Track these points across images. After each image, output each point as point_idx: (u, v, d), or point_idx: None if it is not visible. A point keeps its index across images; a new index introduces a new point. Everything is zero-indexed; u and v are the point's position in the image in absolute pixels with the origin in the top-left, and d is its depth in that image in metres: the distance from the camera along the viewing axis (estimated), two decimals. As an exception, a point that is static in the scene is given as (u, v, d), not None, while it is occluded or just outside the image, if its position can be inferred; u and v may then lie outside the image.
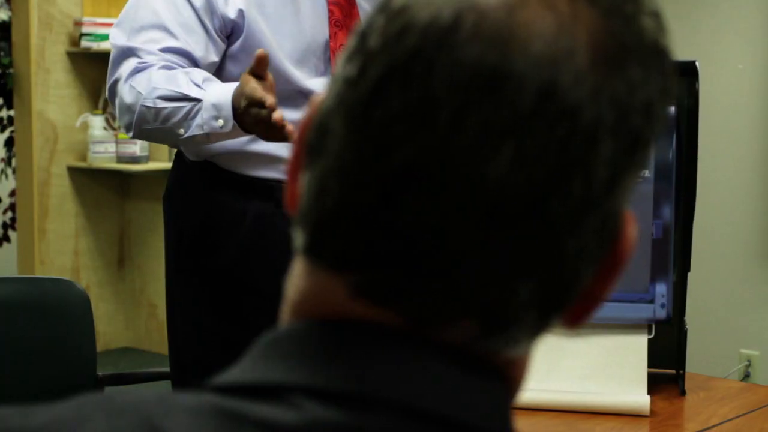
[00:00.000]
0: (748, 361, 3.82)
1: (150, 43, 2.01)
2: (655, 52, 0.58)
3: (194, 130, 1.94)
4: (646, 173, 1.93)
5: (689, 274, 3.87)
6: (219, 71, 2.08)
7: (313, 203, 0.56)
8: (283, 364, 0.55)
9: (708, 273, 3.92)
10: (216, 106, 1.90)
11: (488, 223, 0.54)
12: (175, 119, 1.95)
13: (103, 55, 4.96)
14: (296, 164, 0.59)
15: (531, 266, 0.55)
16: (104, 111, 4.78)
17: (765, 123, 3.76)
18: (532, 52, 0.53)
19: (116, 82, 2.03)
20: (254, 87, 1.82)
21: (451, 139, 0.53)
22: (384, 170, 0.54)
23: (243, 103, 1.85)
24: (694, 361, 3.88)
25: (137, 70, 1.99)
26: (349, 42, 0.58)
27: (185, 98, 1.94)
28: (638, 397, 1.88)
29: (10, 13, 4.78)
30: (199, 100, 1.93)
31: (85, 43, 4.79)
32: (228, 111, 1.89)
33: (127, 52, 2.02)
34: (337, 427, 0.52)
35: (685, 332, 2.02)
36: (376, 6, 0.57)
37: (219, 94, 1.91)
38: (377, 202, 0.54)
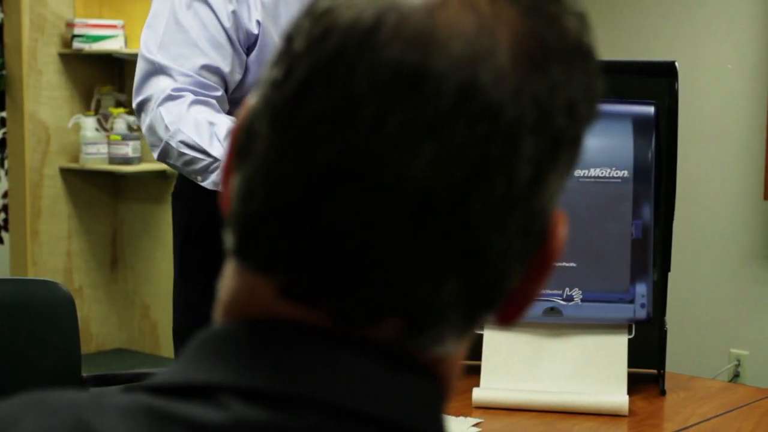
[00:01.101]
0: (738, 360, 3.83)
1: (181, 59, 2.01)
2: (579, 51, 0.59)
3: (210, 183, 1.96)
4: (625, 173, 1.94)
5: (680, 273, 3.88)
6: None
7: (241, 205, 0.57)
8: (212, 364, 0.56)
9: (698, 273, 3.92)
10: None
11: (411, 221, 0.54)
12: (195, 167, 1.96)
13: (95, 57, 4.96)
14: (228, 168, 0.59)
15: (455, 265, 0.55)
16: (96, 112, 4.79)
17: (754, 123, 3.77)
18: (453, 52, 0.54)
19: (147, 101, 2.02)
20: None
21: (373, 138, 0.54)
22: (308, 171, 0.54)
23: None
24: (684, 361, 3.89)
25: (170, 98, 1.98)
26: (277, 46, 0.58)
27: (206, 153, 1.94)
28: (617, 397, 1.89)
29: (1, 15, 4.78)
30: (218, 160, 1.93)
31: (77, 44, 4.79)
32: None
33: (159, 70, 2.01)
34: (263, 426, 0.53)
35: (665, 332, 2.03)
36: (302, 9, 0.58)
37: None
38: (302, 203, 0.55)
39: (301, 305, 0.56)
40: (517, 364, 1.99)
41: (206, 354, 0.56)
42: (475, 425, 1.81)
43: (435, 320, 0.56)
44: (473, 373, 2.01)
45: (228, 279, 0.59)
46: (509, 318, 0.62)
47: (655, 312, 2.03)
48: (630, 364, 2.05)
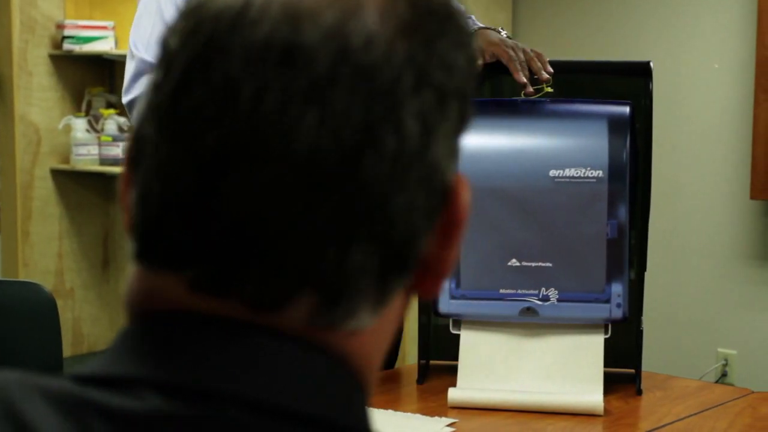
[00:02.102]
0: (725, 360, 3.83)
1: None
2: (446, 12, 0.61)
3: None
4: (600, 173, 1.94)
5: (667, 273, 3.89)
6: None
7: (139, 210, 0.58)
8: (130, 357, 0.57)
9: (685, 272, 3.93)
10: None
11: (307, 192, 0.55)
12: None
13: (86, 58, 4.96)
14: (125, 183, 0.60)
15: (360, 228, 0.56)
16: (87, 114, 4.79)
17: (740, 122, 3.77)
18: (321, 22, 0.56)
19: (137, 99, 2.03)
20: None
21: (255, 115, 0.54)
22: (196, 160, 0.55)
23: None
24: (672, 361, 3.89)
25: None
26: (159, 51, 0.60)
27: None
28: (592, 397, 1.89)
29: (-8, 17, 4.79)
30: None
31: (67, 45, 4.80)
32: None
33: (148, 68, 2.02)
34: (176, 418, 0.54)
35: (641, 332, 2.03)
36: (177, 14, 0.60)
37: None
38: (195, 194, 0.55)
39: (213, 297, 0.56)
40: (493, 364, 2.00)
41: (126, 348, 0.57)
42: (450, 425, 1.81)
43: (348, 290, 0.57)
44: (450, 373, 2.01)
45: (135, 281, 0.59)
46: (428, 289, 0.62)
47: (633, 312, 2.03)
48: (610, 364, 2.05)
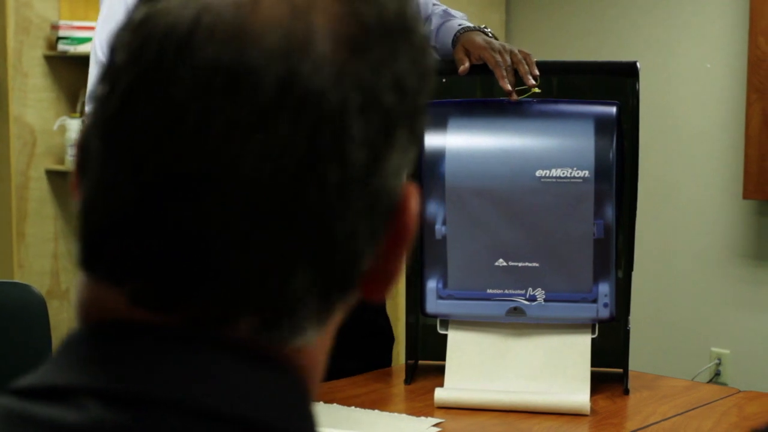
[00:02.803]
0: (719, 359, 3.83)
1: None
2: (401, 27, 0.59)
3: None
4: (587, 173, 1.94)
5: (660, 272, 3.89)
6: None
7: (83, 220, 0.58)
8: (72, 367, 0.56)
9: (678, 272, 3.93)
10: None
11: (249, 218, 0.54)
12: None
13: (81, 59, 4.96)
14: (75, 185, 0.60)
15: (302, 255, 0.56)
16: (82, 114, 4.80)
17: (733, 121, 3.77)
18: (267, 46, 0.54)
19: None
20: None
21: (199, 141, 0.54)
22: (139, 179, 0.55)
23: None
24: (665, 360, 3.90)
25: None
26: (104, 63, 0.59)
27: None
28: (579, 397, 1.89)
29: (-13, 18, 4.79)
30: None
31: (62, 46, 4.80)
32: None
33: None
34: (119, 427, 0.53)
35: (628, 332, 2.03)
36: (121, 23, 0.59)
37: None
38: (138, 211, 0.55)
39: (153, 311, 0.56)
40: (481, 364, 2.00)
41: (67, 358, 0.57)
42: (436, 425, 1.81)
43: (289, 313, 0.57)
44: (438, 373, 2.01)
45: (81, 289, 0.59)
46: (375, 295, 0.62)
47: (620, 311, 2.03)
48: (598, 364, 2.06)
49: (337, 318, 0.61)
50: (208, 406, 0.55)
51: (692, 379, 3.64)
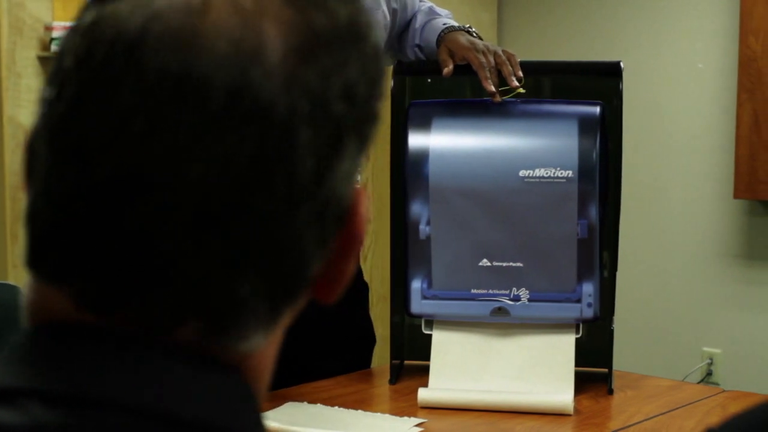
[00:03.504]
0: (710, 359, 3.83)
1: None
2: (351, 35, 0.59)
3: None
4: (570, 173, 1.94)
5: (652, 272, 3.89)
6: None
7: (30, 221, 0.58)
8: (17, 368, 0.56)
9: (669, 271, 3.93)
10: None
11: (196, 225, 0.55)
12: None
13: (73, 60, 4.94)
14: (24, 186, 0.60)
15: (248, 263, 0.56)
16: (75, 115, 4.80)
17: (724, 121, 3.77)
18: (217, 54, 0.54)
19: None
20: None
21: (147, 146, 0.54)
22: (85, 185, 0.55)
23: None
24: (656, 360, 3.90)
25: None
26: (52, 65, 0.59)
27: None
28: (562, 397, 1.89)
29: (-20, 19, 4.79)
30: None
31: (55, 47, 4.80)
32: None
33: None
34: (59, 428, 0.53)
35: (612, 331, 2.03)
36: (70, 26, 0.59)
37: None
38: (83, 215, 0.55)
39: (98, 313, 0.56)
40: (465, 364, 2.00)
41: (12, 359, 0.57)
42: (419, 425, 1.82)
43: (235, 317, 0.57)
44: (424, 373, 2.01)
45: (29, 287, 0.59)
46: (326, 297, 0.63)
47: (605, 311, 2.03)
48: (586, 363, 2.06)
49: (285, 322, 0.61)
50: (151, 407, 0.55)
51: (683, 379, 3.65)
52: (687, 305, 3.89)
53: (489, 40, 4.20)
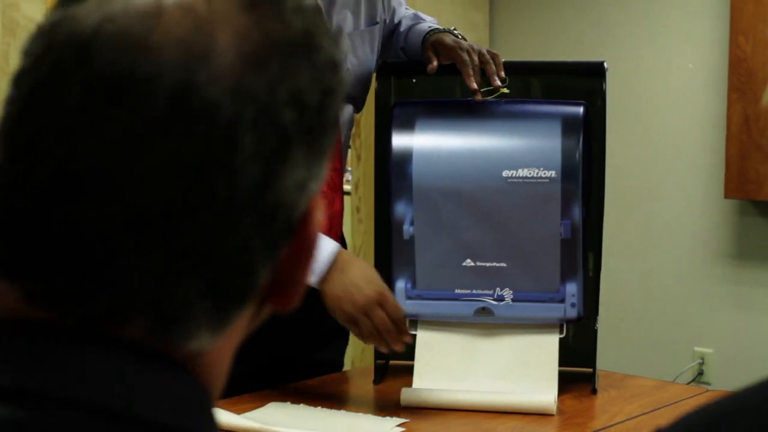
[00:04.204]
0: (702, 359, 3.83)
1: None
2: (304, 45, 0.59)
3: None
4: (553, 173, 1.94)
5: (643, 272, 3.89)
6: None
7: None
8: None
9: (660, 271, 3.93)
10: None
11: (137, 223, 0.55)
12: None
13: (66, 60, 4.95)
14: None
15: (190, 263, 0.56)
16: (69, 116, 4.80)
17: (715, 121, 3.78)
18: (166, 56, 0.55)
19: None
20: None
21: (91, 145, 0.55)
22: (32, 184, 0.56)
23: (369, 289, 1.84)
24: (648, 360, 3.90)
25: None
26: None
27: None
28: (545, 397, 1.90)
29: (-27, 19, 4.79)
30: None
31: (48, 48, 4.80)
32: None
33: None
34: (10, 423, 0.54)
35: (596, 331, 2.03)
36: (36, 27, 0.60)
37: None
38: (31, 213, 0.56)
39: (47, 309, 0.57)
40: (449, 364, 2.00)
41: None
42: (401, 425, 1.82)
43: (180, 317, 0.57)
44: (408, 373, 2.02)
45: None
46: (282, 306, 0.63)
47: (589, 311, 2.04)
48: (573, 363, 2.06)
49: (241, 325, 0.62)
50: (102, 403, 0.55)
51: (674, 379, 3.65)
52: (678, 305, 3.89)
53: (481, 40, 4.21)
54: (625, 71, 3.94)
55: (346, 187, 4.20)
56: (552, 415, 1.87)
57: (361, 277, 1.84)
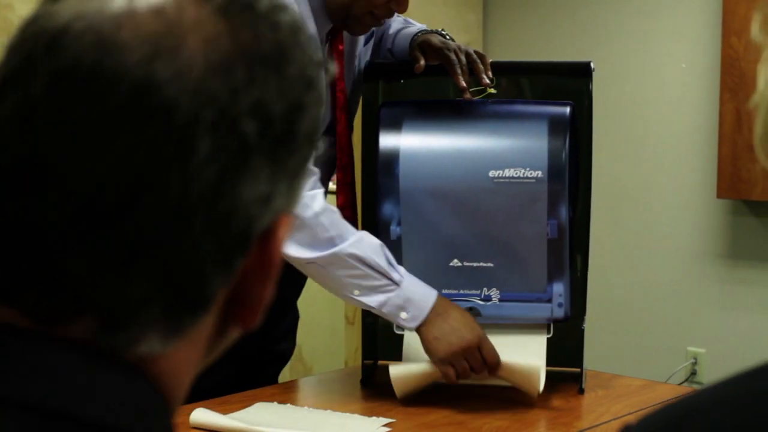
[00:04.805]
0: (695, 358, 3.83)
1: None
2: (275, 56, 0.59)
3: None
4: (539, 174, 1.94)
5: (635, 272, 3.90)
6: None
7: None
8: None
9: (653, 271, 3.93)
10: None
11: (86, 220, 0.55)
12: None
13: (61, 61, 4.95)
14: None
15: (138, 264, 0.56)
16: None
17: (707, 121, 3.78)
18: (131, 53, 0.56)
19: None
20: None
21: (48, 137, 0.55)
22: None
23: (469, 333, 1.88)
24: (641, 360, 3.90)
25: None
26: None
27: None
28: (533, 362, 1.89)
29: (-32, 20, 4.79)
30: None
31: (43, 49, 4.80)
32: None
33: None
34: None
35: (583, 331, 2.03)
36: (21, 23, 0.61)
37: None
38: None
39: None
40: None
41: None
42: (387, 425, 1.82)
43: (127, 319, 0.57)
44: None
45: None
46: (243, 322, 0.63)
47: (577, 311, 2.04)
48: (561, 364, 2.06)
49: (202, 337, 0.62)
50: (45, 403, 0.55)
51: (667, 379, 3.65)
52: (671, 305, 3.89)
53: (475, 41, 4.21)
54: (618, 71, 3.94)
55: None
56: (536, 392, 1.88)
57: (460, 321, 1.90)
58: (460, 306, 1.94)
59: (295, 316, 2.29)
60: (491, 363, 1.89)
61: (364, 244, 1.89)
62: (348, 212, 2.06)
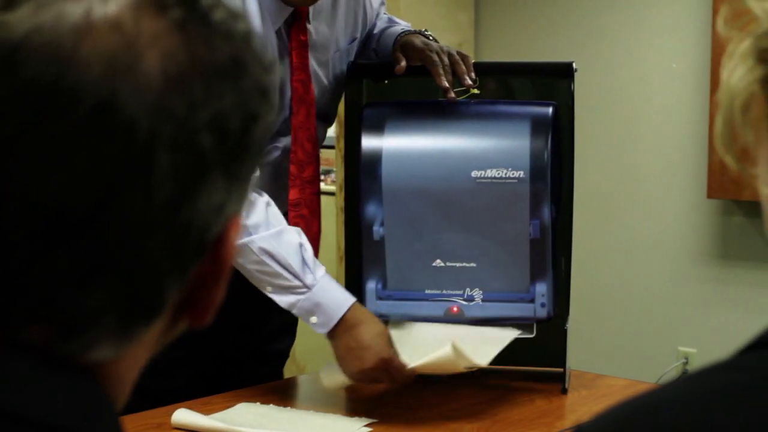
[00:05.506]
0: (686, 358, 3.84)
1: None
2: (232, 70, 0.60)
3: None
4: (522, 174, 1.95)
5: (626, 272, 3.90)
6: None
7: None
8: None
9: (643, 271, 3.93)
10: None
11: (49, 232, 0.56)
12: None
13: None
14: None
15: (96, 276, 0.57)
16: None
17: (698, 121, 3.78)
18: (90, 69, 0.56)
19: None
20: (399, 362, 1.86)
21: (10, 152, 0.55)
22: None
23: (373, 354, 1.85)
24: (632, 360, 3.91)
25: None
26: None
27: None
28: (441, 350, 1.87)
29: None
30: None
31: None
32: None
33: None
34: None
35: (566, 331, 2.04)
36: None
37: None
38: None
39: None
40: (415, 353, 1.98)
41: None
42: (368, 425, 1.82)
43: (83, 327, 0.58)
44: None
45: None
46: (196, 322, 0.64)
47: (561, 311, 2.04)
48: (547, 364, 2.07)
49: (152, 339, 0.62)
50: (3, 406, 0.56)
51: (658, 379, 3.65)
52: (662, 305, 3.90)
53: (466, 41, 4.21)
54: (609, 71, 3.95)
55: (331, 188, 4.20)
56: (471, 362, 1.88)
57: (368, 339, 1.86)
58: (373, 322, 1.90)
59: (292, 314, 2.28)
60: (400, 379, 1.87)
61: (281, 240, 1.86)
62: (303, 210, 2.02)
